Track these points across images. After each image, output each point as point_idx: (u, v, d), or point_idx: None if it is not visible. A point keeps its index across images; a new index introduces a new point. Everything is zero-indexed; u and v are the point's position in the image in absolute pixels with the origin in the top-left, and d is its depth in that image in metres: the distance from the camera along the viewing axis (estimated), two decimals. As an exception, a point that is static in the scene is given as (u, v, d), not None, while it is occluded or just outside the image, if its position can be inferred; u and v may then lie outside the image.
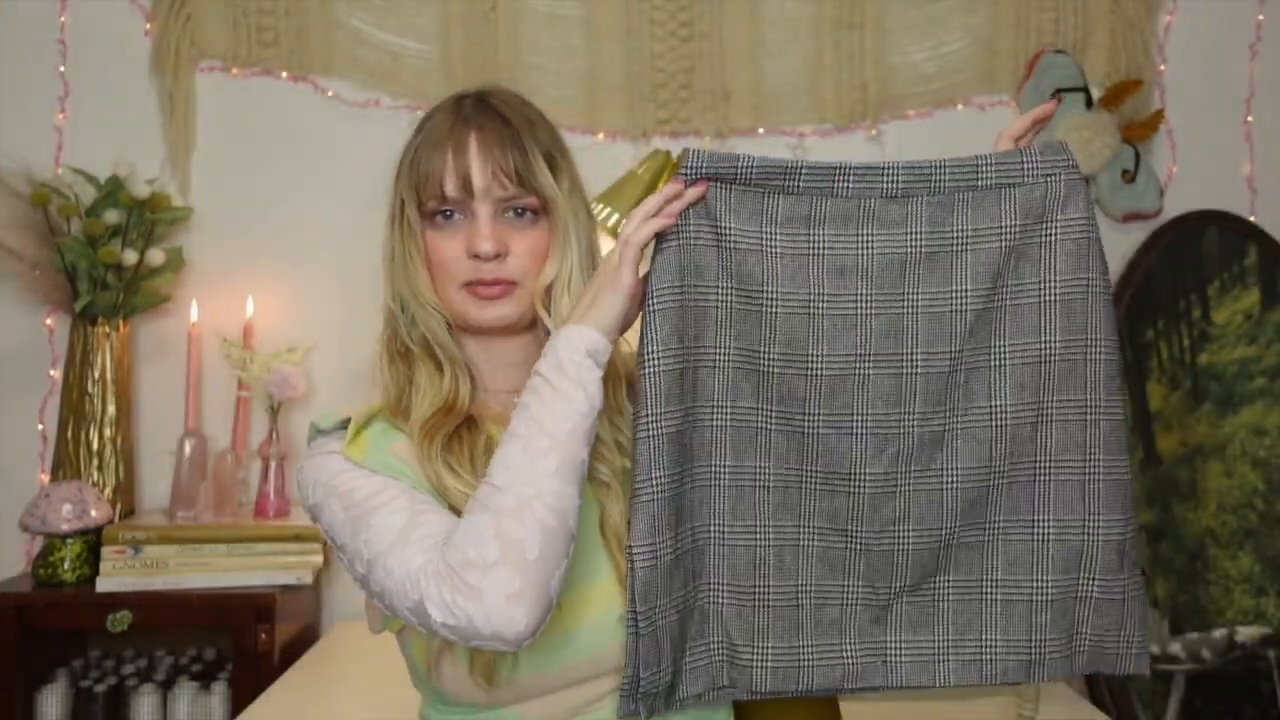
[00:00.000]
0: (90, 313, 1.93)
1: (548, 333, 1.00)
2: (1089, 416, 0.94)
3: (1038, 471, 0.95)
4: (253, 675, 1.72)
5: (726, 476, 0.95)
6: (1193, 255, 2.13)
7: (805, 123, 2.13)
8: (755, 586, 0.95)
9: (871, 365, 0.94)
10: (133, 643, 1.95)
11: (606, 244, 2.01)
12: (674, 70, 2.10)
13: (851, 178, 0.92)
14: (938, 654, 0.97)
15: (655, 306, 0.91)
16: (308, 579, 1.82)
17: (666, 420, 0.91)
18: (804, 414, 0.94)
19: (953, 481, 0.95)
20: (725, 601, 0.95)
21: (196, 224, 2.06)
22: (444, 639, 0.85)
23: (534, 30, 2.10)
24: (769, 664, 0.95)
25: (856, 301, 0.94)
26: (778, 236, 0.93)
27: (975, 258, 0.93)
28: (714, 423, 0.95)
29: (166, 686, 1.84)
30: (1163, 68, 2.17)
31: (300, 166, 2.08)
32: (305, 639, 1.92)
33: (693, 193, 0.91)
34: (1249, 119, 2.20)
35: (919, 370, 0.93)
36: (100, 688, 1.82)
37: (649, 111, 2.10)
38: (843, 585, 0.97)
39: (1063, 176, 0.93)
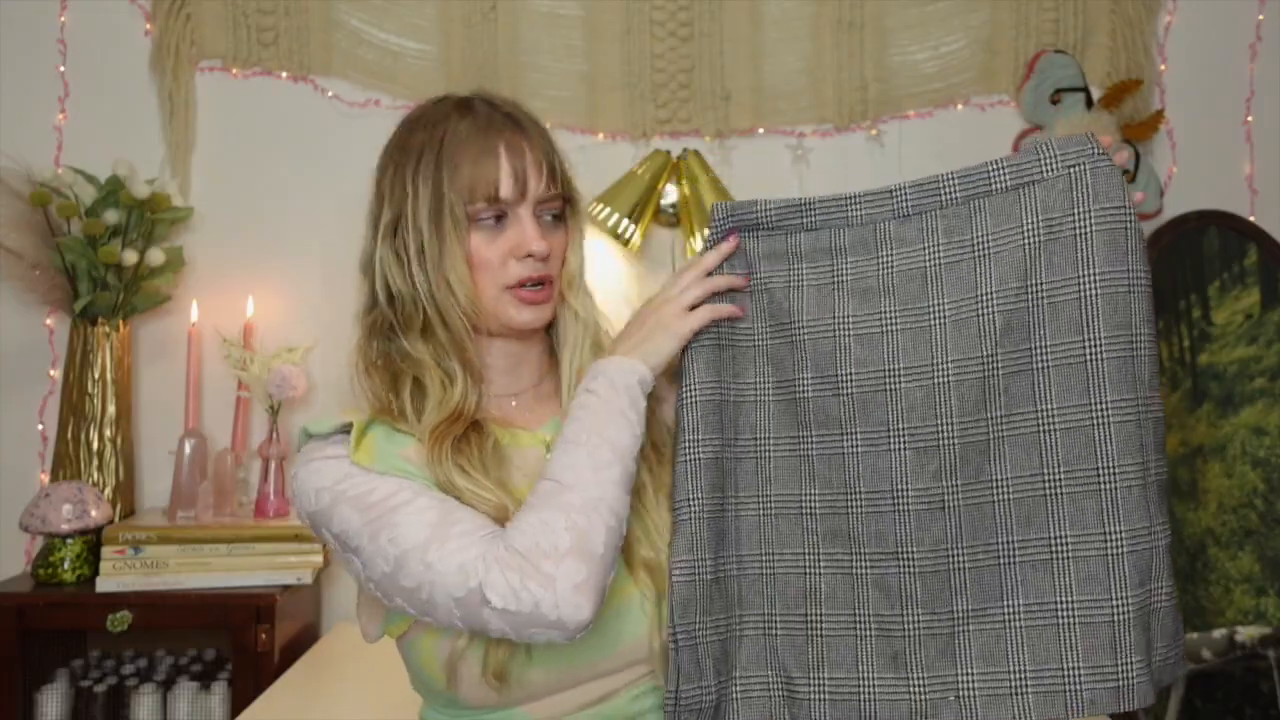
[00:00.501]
0: (90, 313, 1.93)
1: (541, 331, 1.03)
2: (1141, 416, 0.88)
3: (1102, 479, 0.88)
4: (253, 675, 1.72)
5: (773, 505, 0.97)
6: (1193, 255, 2.13)
7: (805, 123, 2.13)
8: (808, 616, 0.95)
9: (902, 379, 0.94)
10: (133, 643, 1.95)
11: (607, 244, 2.02)
12: (674, 70, 2.10)
13: (862, 204, 0.96)
14: (1015, 686, 0.90)
15: (693, 347, 0.97)
16: (308, 579, 1.82)
17: (704, 447, 0.95)
18: (841, 435, 0.95)
19: (1004, 493, 0.91)
20: (779, 632, 0.96)
21: (196, 224, 2.06)
22: (472, 632, 0.87)
23: (534, 30, 2.10)
24: (827, 697, 0.93)
25: (881, 319, 0.95)
26: (804, 270, 0.98)
27: (998, 261, 0.91)
28: (758, 454, 0.98)
29: (166, 686, 1.84)
30: (1163, 68, 2.17)
31: (300, 166, 2.08)
32: (305, 639, 1.92)
33: (727, 248, 0.99)
34: (1249, 119, 2.20)
35: (951, 379, 0.92)
36: (100, 688, 1.82)
37: (649, 111, 2.10)
38: (902, 614, 0.93)
39: (1088, 166, 0.89)
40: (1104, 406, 0.88)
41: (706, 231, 1.01)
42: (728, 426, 0.97)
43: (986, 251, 0.92)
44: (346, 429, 0.95)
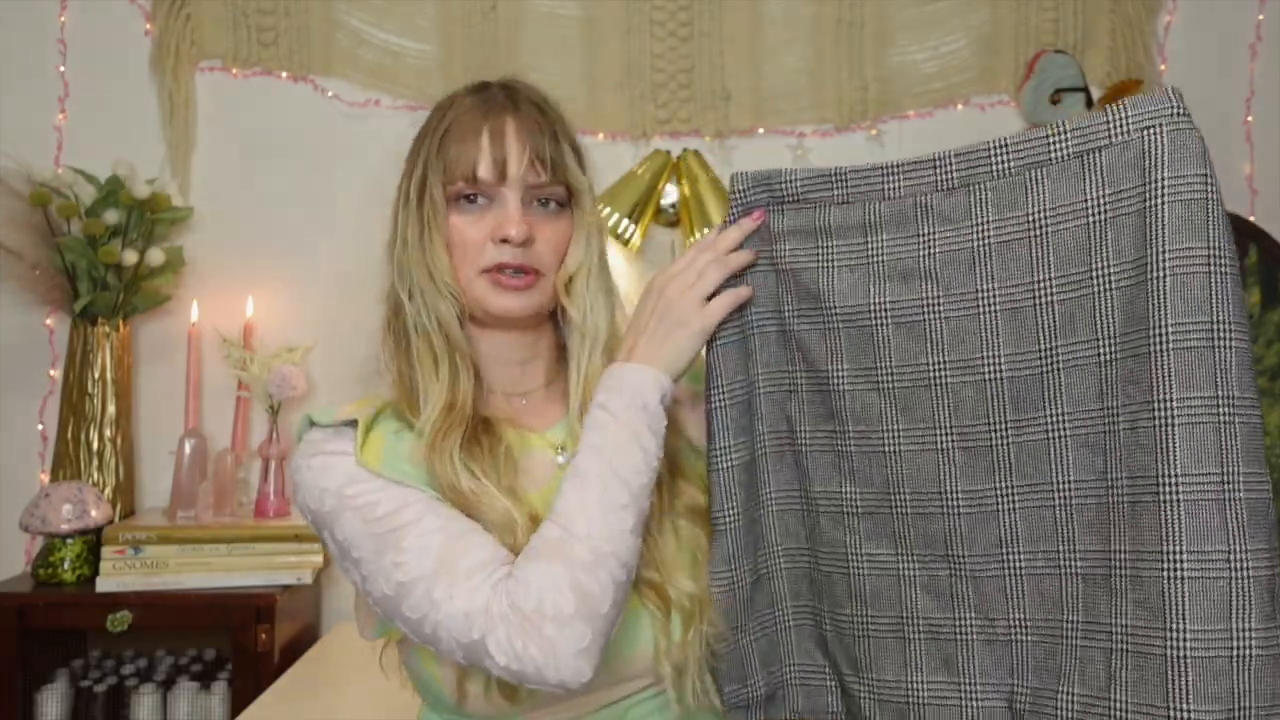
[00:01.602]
0: (90, 313, 1.93)
1: (555, 326, 1.01)
2: (1221, 418, 0.73)
3: (1162, 491, 0.74)
4: (253, 675, 1.72)
5: (815, 503, 0.93)
6: (1193, 255, 2.13)
7: (805, 123, 2.13)
8: (854, 616, 0.92)
9: (950, 373, 0.84)
10: (133, 643, 1.95)
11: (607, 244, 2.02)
12: (674, 70, 2.11)
13: (901, 174, 0.85)
14: (1063, 709, 0.81)
15: (719, 343, 0.92)
16: (308, 579, 1.82)
17: (737, 452, 0.92)
18: (882, 431, 0.88)
19: (1065, 498, 0.81)
20: (828, 628, 0.94)
21: (196, 224, 2.06)
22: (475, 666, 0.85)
23: (534, 30, 2.10)
24: (878, 698, 0.90)
25: (923, 306, 0.85)
26: (834, 249, 0.89)
27: (1059, 240, 0.79)
28: (796, 448, 0.93)
29: (166, 686, 1.84)
30: (1163, 68, 2.18)
31: (300, 166, 2.08)
32: (305, 639, 1.92)
33: (749, 224, 0.93)
34: (1249, 119, 2.20)
35: (1004, 374, 0.82)
36: (100, 688, 1.82)
37: (649, 111, 2.10)
38: (953, 618, 0.87)
39: (1166, 128, 0.77)
40: (1169, 406, 0.74)
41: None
42: (760, 421, 0.94)
43: (1044, 229, 0.80)
44: (352, 424, 0.93)
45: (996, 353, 0.83)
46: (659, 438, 0.88)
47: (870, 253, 0.88)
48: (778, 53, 2.13)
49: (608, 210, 1.97)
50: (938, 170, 0.84)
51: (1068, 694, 0.81)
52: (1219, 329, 0.74)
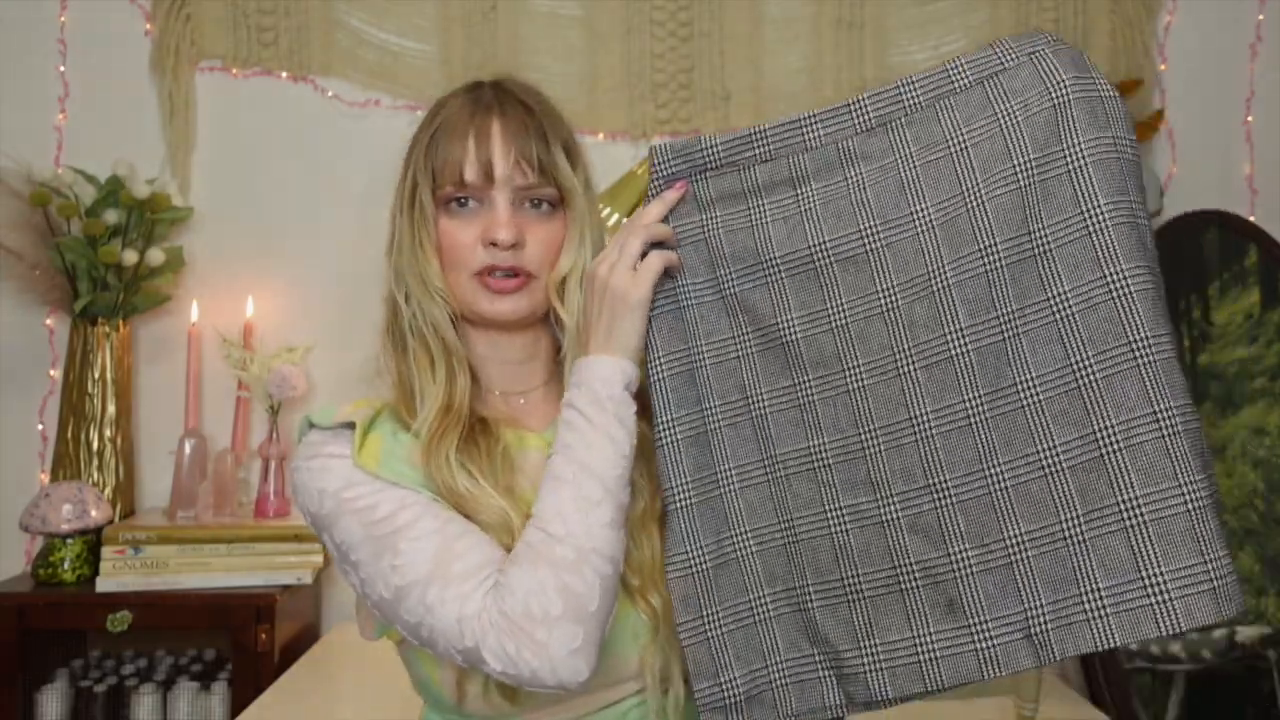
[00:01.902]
0: (90, 313, 1.93)
1: (553, 327, 1.00)
2: (1158, 284, 0.80)
3: (1138, 353, 0.78)
4: (253, 675, 1.72)
5: (783, 467, 0.88)
6: (1193, 255, 2.13)
7: (805, 123, 2.13)
8: (845, 579, 0.86)
9: (900, 296, 0.85)
10: (133, 643, 1.95)
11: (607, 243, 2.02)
12: (674, 70, 2.11)
13: (819, 125, 0.88)
14: (1092, 609, 0.78)
15: (653, 313, 0.90)
16: (308, 579, 1.82)
17: (680, 425, 0.89)
18: (842, 370, 0.87)
19: (1033, 395, 0.81)
20: (816, 604, 0.87)
21: (196, 224, 2.06)
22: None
23: (534, 30, 2.10)
24: (884, 665, 0.84)
25: (862, 238, 0.87)
26: (765, 206, 0.90)
27: (978, 151, 0.84)
28: (753, 413, 0.89)
29: (166, 686, 1.84)
30: (1163, 68, 2.18)
31: (300, 166, 2.08)
32: (305, 639, 1.92)
33: (672, 196, 0.92)
34: (1249, 119, 2.20)
35: (950, 283, 0.84)
36: (100, 688, 1.82)
37: (649, 111, 2.10)
38: (948, 554, 0.82)
39: (1049, 49, 0.84)
40: (1122, 276, 0.79)
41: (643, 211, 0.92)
42: (707, 393, 0.90)
43: (964, 145, 0.85)
44: (350, 426, 0.93)
45: (940, 264, 0.84)
46: (627, 425, 0.87)
47: (802, 203, 0.89)
48: (778, 53, 2.13)
49: (607, 210, 1.97)
50: (854, 114, 0.88)
51: (1093, 590, 0.78)
52: (1135, 207, 0.81)
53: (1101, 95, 0.83)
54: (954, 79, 0.86)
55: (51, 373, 2.04)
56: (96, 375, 1.94)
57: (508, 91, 0.99)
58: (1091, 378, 0.79)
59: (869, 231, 0.87)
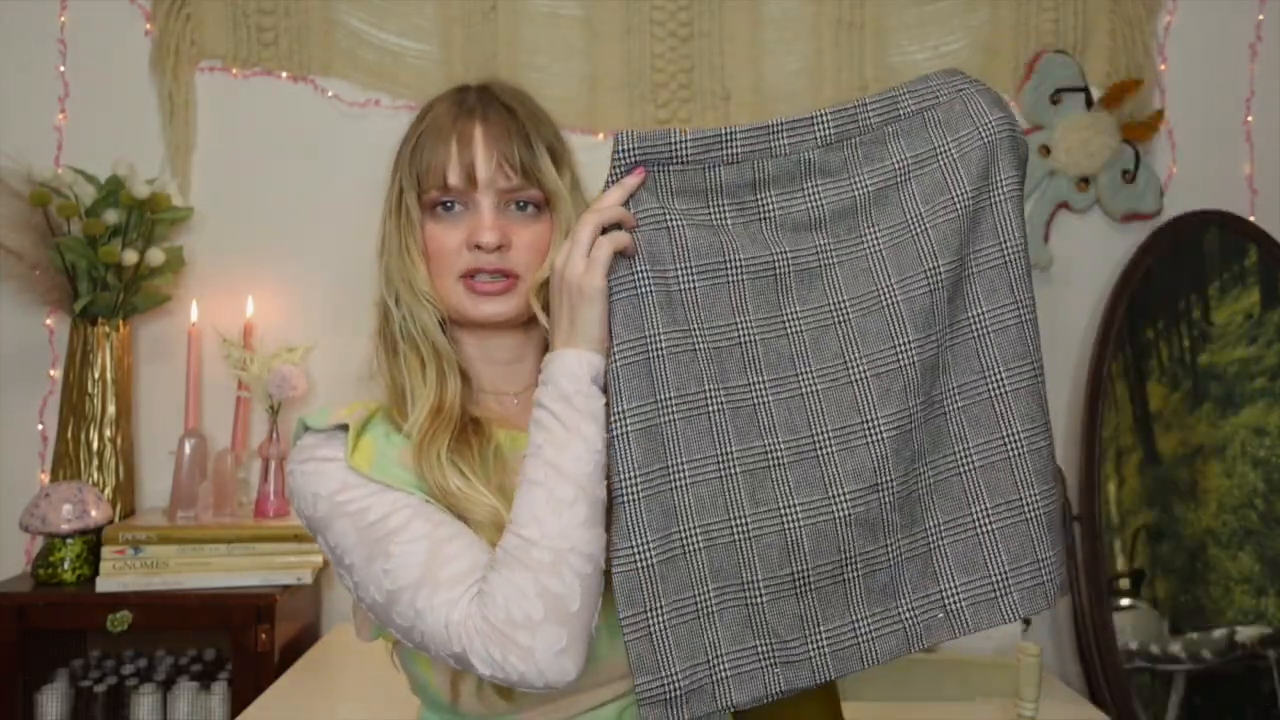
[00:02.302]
0: (90, 313, 1.93)
1: (541, 327, 0.99)
2: (1024, 317, 0.94)
3: (1035, 372, 0.93)
4: (253, 675, 1.72)
5: (736, 463, 0.89)
6: (1193, 255, 2.13)
7: (805, 123, 2.13)
8: (794, 573, 0.89)
9: (851, 310, 0.92)
10: (133, 643, 1.96)
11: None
12: (674, 70, 2.11)
13: (785, 134, 0.91)
14: (998, 587, 0.91)
15: (612, 299, 0.89)
16: (308, 579, 1.82)
17: (633, 418, 0.87)
18: (796, 375, 0.91)
19: (955, 402, 0.93)
20: (764, 598, 0.88)
21: (196, 224, 2.06)
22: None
23: (534, 30, 2.10)
24: (827, 650, 0.89)
25: (818, 254, 0.93)
26: (726, 208, 0.92)
27: (920, 182, 0.93)
28: (709, 408, 0.89)
29: (166, 686, 1.84)
30: (1163, 68, 2.18)
31: (300, 166, 2.08)
32: (305, 639, 1.92)
33: (631, 181, 0.91)
34: (1249, 119, 2.20)
35: (900, 299, 0.91)
36: (100, 688, 1.82)
37: (649, 111, 2.10)
38: (885, 545, 0.90)
39: (973, 89, 0.94)
40: (1028, 304, 0.92)
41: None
42: (663, 385, 0.88)
43: (908, 175, 0.93)
44: (344, 428, 0.94)
45: (889, 283, 0.92)
46: (598, 418, 0.86)
47: (763, 210, 0.92)
48: (778, 53, 2.13)
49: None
50: (816, 127, 0.92)
51: (998, 573, 0.91)
52: (1028, 240, 0.94)
53: (1019, 135, 0.94)
54: (899, 106, 0.94)
55: (51, 373, 2.04)
56: (96, 375, 1.94)
57: (492, 95, 1.00)
58: (1002, 389, 0.92)
59: (824, 248, 0.92)
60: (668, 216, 0.91)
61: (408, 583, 0.84)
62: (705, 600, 0.88)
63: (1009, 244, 0.92)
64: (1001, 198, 0.92)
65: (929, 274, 0.91)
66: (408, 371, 0.98)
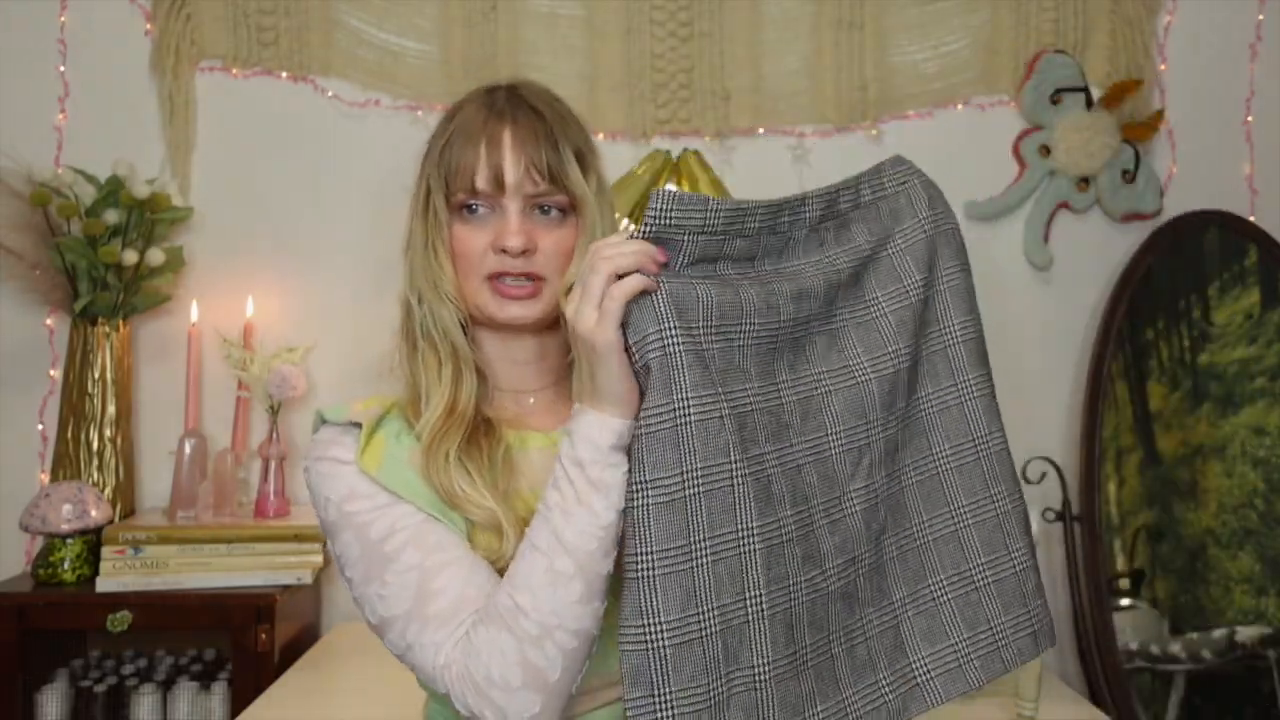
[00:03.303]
0: (90, 313, 1.93)
1: (564, 329, 1.00)
2: (992, 389, 1.01)
3: (979, 448, 0.99)
4: (253, 675, 1.72)
5: (756, 539, 0.84)
6: (1193, 255, 2.13)
7: (805, 122, 2.13)
8: (795, 651, 0.86)
9: (830, 382, 0.93)
10: (133, 643, 1.96)
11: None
12: (674, 70, 2.11)
13: (787, 213, 0.93)
14: (961, 657, 0.95)
15: (637, 364, 0.82)
16: (308, 579, 1.82)
17: (655, 490, 0.81)
18: (790, 445, 0.89)
19: (910, 478, 0.97)
20: (771, 681, 0.84)
21: (196, 224, 2.06)
22: None
23: (534, 30, 2.10)
24: None
25: (805, 323, 0.92)
26: (733, 275, 0.89)
27: (878, 269, 0.98)
28: (734, 480, 0.84)
29: (166, 686, 1.84)
30: (1163, 68, 2.18)
31: (300, 166, 2.08)
32: (305, 639, 1.92)
33: (656, 256, 0.83)
34: (1249, 119, 2.20)
35: (871, 375, 0.94)
36: (100, 688, 1.82)
37: (649, 111, 2.10)
38: (860, 617, 0.93)
39: (917, 180, 1.00)
40: (969, 384, 0.99)
41: (628, 223, 0.88)
42: (689, 455, 0.82)
43: (869, 260, 0.97)
44: (359, 425, 0.95)
45: (860, 360, 0.95)
46: (608, 491, 0.81)
47: (765, 280, 0.91)
48: (778, 53, 2.13)
49: (608, 210, 1.97)
50: (807, 208, 0.94)
51: (959, 643, 0.95)
52: (978, 323, 1.01)
53: (955, 227, 1.01)
54: (860, 194, 0.99)
55: (51, 373, 2.04)
56: (96, 375, 1.94)
57: (521, 97, 1.00)
58: (947, 466, 0.98)
59: (808, 320, 0.93)
60: (694, 281, 0.86)
61: (398, 613, 0.87)
62: (719, 688, 0.82)
63: (949, 331, 0.99)
64: (944, 288, 0.99)
65: (893, 355, 0.95)
66: (425, 369, 0.98)
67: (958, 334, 0.99)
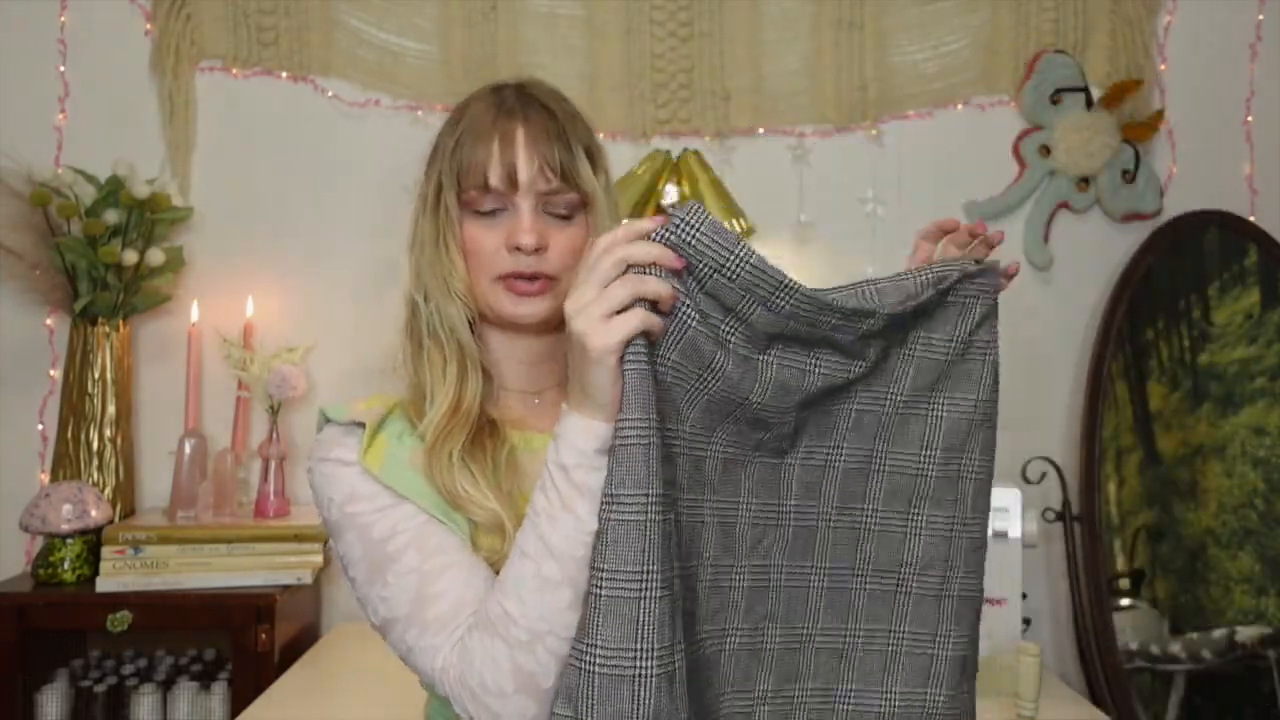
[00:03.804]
0: (90, 313, 1.93)
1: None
2: (955, 531, 0.92)
3: (900, 584, 0.93)
4: (253, 675, 1.72)
5: (747, 578, 0.87)
6: (1193, 255, 2.13)
7: (805, 122, 2.13)
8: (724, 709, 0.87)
9: (799, 459, 0.89)
10: (133, 643, 1.96)
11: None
12: (674, 70, 2.11)
13: (836, 316, 0.82)
14: None
15: (626, 368, 0.76)
16: (308, 579, 1.82)
17: (618, 506, 0.75)
18: (778, 505, 0.89)
19: (871, 584, 0.94)
20: None
21: (196, 224, 2.06)
22: None
23: (534, 30, 2.10)
24: None
25: (779, 419, 0.86)
26: (736, 333, 0.81)
27: (874, 370, 0.91)
28: (740, 516, 0.86)
29: (166, 686, 1.84)
30: (1163, 68, 2.18)
31: (300, 166, 2.08)
32: (305, 639, 1.92)
33: (671, 263, 0.77)
34: (1249, 119, 2.20)
35: (842, 463, 0.91)
36: (100, 688, 1.82)
37: (649, 111, 2.10)
38: (798, 686, 0.92)
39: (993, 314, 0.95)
40: (920, 518, 0.92)
41: (646, 225, 0.77)
42: (697, 484, 0.81)
43: (868, 365, 0.89)
44: (361, 425, 0.95)
45: (839, 445, 0.91)
46: (592, 494, 0.78)
47: (764, 356, 0.83)
48: (778, 53, 2.13)
49: (608, 210, 1.97)
50: (865, 323, 0.84)
51: None
52: (967, 464, 0.94)
53: (987, 359, 0.94)
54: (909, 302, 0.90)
55: (51, 373, 2.04)
56: (96, 375, 1.94)
57: (531, 96, 1.00)
58: (862, 587, 0.93)
59: (792, 426, 0.88)
60: (700, 313, 0.79)
61: (398, 616, 0.87)
62: None
63: (929, 458, 0.92)
64: (941, 413, 0.92)
65: (873, 455, 0.91)
66: (430, 368, 0.98)
67: (976, 470, 0.93)
